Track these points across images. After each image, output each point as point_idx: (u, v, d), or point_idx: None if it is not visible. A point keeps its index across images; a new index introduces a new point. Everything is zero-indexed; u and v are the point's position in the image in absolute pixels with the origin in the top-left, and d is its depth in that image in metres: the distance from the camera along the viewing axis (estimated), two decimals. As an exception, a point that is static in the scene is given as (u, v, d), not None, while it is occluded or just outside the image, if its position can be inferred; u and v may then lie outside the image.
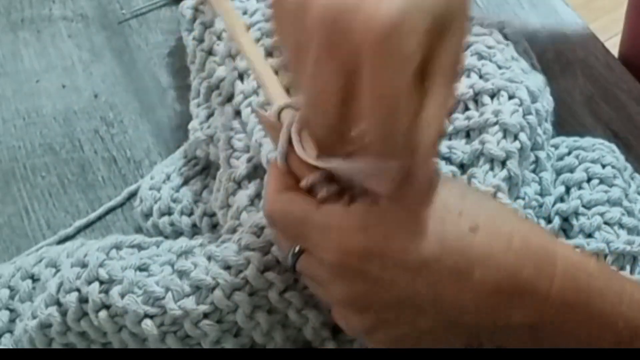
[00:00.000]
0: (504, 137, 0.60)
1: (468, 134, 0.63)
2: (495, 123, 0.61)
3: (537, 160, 0.63)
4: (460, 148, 0.61)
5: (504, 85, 0.62)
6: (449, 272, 0.48)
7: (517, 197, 0.61)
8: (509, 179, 0.59)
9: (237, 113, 0.66)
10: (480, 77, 0.64)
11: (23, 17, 0.85)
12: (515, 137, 0.60)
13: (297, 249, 0.52)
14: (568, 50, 0.79)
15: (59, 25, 0.84)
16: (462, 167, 0.61)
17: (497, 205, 0.53)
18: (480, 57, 0.65)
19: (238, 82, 0.67)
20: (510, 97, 0.62)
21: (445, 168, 0.61)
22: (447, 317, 0.49)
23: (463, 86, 0.64)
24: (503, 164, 0.59)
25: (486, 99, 0.63)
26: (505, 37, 0.68)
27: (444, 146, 0.62)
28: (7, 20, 0.84)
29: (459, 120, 0.63)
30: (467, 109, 0.64)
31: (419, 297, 0.48)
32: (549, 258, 0.49)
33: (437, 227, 0.48)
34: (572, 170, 0.64)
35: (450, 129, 0.63)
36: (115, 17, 0.85)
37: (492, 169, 0.60)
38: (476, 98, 0.63)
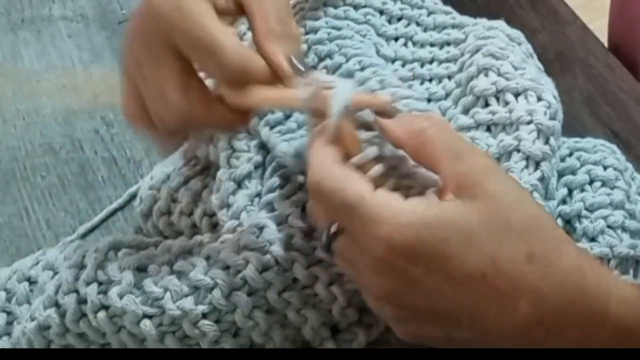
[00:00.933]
0: (538, 137, 0.60)
1: (489, 128, 0.63)
2: (530, 122, 0.60)
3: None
4: (483, 139, 0.61)
5: (530, 86, 0.62)
6: (494, 295, 0.46)
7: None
8: (542, 179, 0.59)
9: None
10: (500, 75, 0.64)
11: (23, 17, 0.85)
12: (547, 140, 0.60)
13: (335, 227, 0.49)
14: (568, 50, 0.79)
15: (59, 25, 0.84)
16: None
17: (560, 234, 0.50)
18: (496, 57, 0.65)
19: None
20: (539, 99, 0.62)
21: None
22: (483, 334, 0.48)
23: (484, 83, 0.64)
24: (537, 164, 0.59)
25: (510, 97, 0.63)
26: (510, 38, 0.68)
27: (466, 136, 0.62)
28: (7, 20, 0.84)
29: (481, 114, 0.63)
30: (487, 104, 0.63)
31: (457, 310, 0.47)
32: (602, 300, 0.47)
33: (493, 246, 0.46)
34: (574, 172, 0.64)
35: (470, 122, 0.63)
36: (115, 17, 0.85)
37: (527, 167, 0.59)
38: (498, 95, 0.63)
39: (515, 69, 0.64)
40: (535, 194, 0.58)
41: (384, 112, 0.52)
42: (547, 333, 0.47)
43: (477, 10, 0.80)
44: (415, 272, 0.46)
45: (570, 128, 0.73)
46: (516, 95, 0.63)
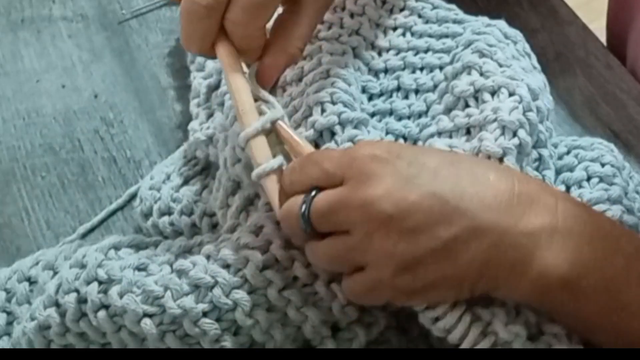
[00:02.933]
0: (502, 134, 0.60)
1: (469, 131, 0.63)
2: (494, 120, 0.61)
3: (540, 158, 0.63)
4: (460, 146, 0.61)
5: (504, 83, 0.62)
6: (466, 172, 0.53)
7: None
8: None
9: None
10: (481, 74, 0.64)
11: (23, 17, 0.85)
12: (514, 134, 0.60)
13: (309, 196, 0.53)
14: (568, 50, 0.79)
15: (59, 25, 0.84)
16: None
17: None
18: (482, 54, 0.65)
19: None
20: (511, 94, 0.62)
21: None
22: (468, 219, 0.51)
23: (464, 83, 0.64)
24: (500, 160, 0.59)
25: (486, 96, 0.63)
26: (506, 36, 0.68)
27: (444, 144, 0.62)
28: (7, 20, 0.85)
29: (460, 117, 0.63)
30: (467, 106, 0.64)
31: (441, 192, 0.51)
32: (552, 195, 0.54)
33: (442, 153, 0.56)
34: (571, 169, 0.64)
35: (450, 126, 0.63)
36: (115, 17, 0.85)
37: None
38: (476, 95, 0.63)
39: (500, 66, 0.64)
40: None
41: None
42: (520, 202, 0.52)
43: (477, 10, 0.80)
44: (400, 165, 0.52)
45: (570, 128, 0.73)
46: (492, 93, 0.63)
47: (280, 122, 0.58)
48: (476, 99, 0.63)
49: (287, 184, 0.56)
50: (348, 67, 0.67)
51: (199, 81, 0.72)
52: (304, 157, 0.56)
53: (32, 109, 0.78)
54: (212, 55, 0.60)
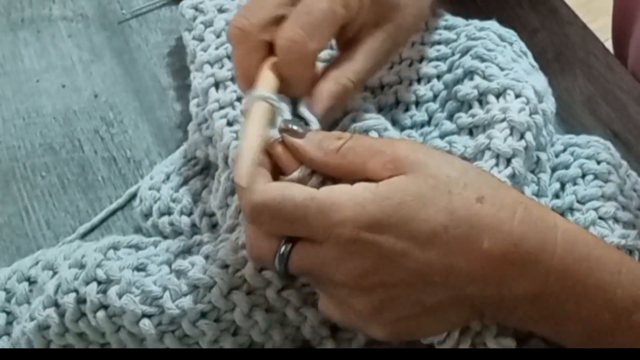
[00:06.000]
0: (511, 134, 0.60)
1: (471, 131, 0.63)
2: (503, 120, 0.60)
3: (538, 161, 0.63)
4: (462, 142, 0.61)
5: (510, 84, 0.62)
6: (459, 242, 0.49)
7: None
8: (513, 177, 0.59)
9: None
10: (484, 78, 0.64)
11: (23, 17, 0.85)
12: (522, 136, 0.60)
13: (287, 247, 0.51)
14: (568, 50, 0.79)
15: (59, 25, 0.84)
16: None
17: (496, 179, 0.55)
18: (482, 59, 0.65)
19: (213, 90, 0.66)
20: (517, 96, 0.62)
21: None
22: (454, 290, 0.50)
23: (467, 87, 0.64)
24: (508, 161, 0.59)
25: (491, 98, 0.63)
26: (502, 38, 0.68)
27: (443, 141, 0.62)
28: (7, 20, 0.84)
29: (463, 118, 0.63)
30: (470, 108, 0.63)
31: (429, 269, 0.49)
32: (550, 228, 0.51)
33: (445, 198, 0.50)
34: (567, 167, 0.64)
35: (452, 127, 0.63)
36: (115, 17, 0.85)
37: (497, 165, 0.60)
38: (480, 98, 0.63)
39: (502, 69, 0.64)
40: None
41: (291, 132, 0.54)
42: (514, 269, 0.50)
43: (477, 10, 0.80)
44: (385, 242, 0.49)
45: (570, 128, 0.73)
46: (497, 96, 0.63)
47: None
48: (480, 102, 0.63)
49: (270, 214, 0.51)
50: None
51: (199, 81, 0.72)
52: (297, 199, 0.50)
53: (32, 109, 0.78)
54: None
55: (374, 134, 0.58)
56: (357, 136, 0.54)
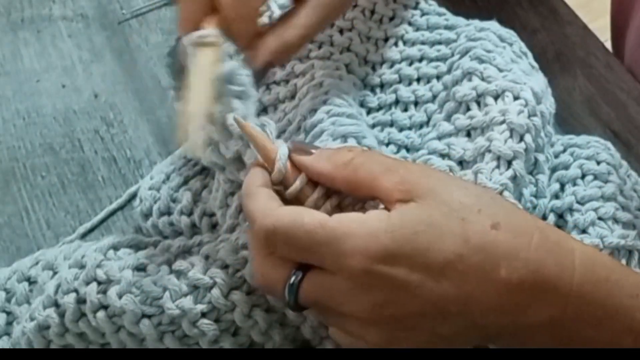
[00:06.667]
0: (511, 136, 0.60)
1: (469, 133, 0.63)
2: (502, 122, 0.60)
3: (536, 162, 0.63)
4: (460, 145, 0.61)
5: (508, 86, 0.62)
6: (475, 271, 0.48)
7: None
8: (514, 178, 0.59)
9: None
10: (482, 79, 0.64)
11: (23, 17, 0.85)
12: (521, 138, 0.60)
13: (298, 276, 0.50)
14: (568, 50, 0.79)
15: (59, 25, 0.84)
16: (461, 163, 0.61)
17: (510, 203, 0.53)
18: (481, 61, 0.65)
19: None
20: (516, 98, 0.62)
21: (442, 163, 0.61)
22: (470, 320, 0.49)
23: (465, 88, 0.64)
24: (509, 163, 0.59)
25: (489, 100, 0.62)
26: (501, 39, 0.68)
27: (441, 143, 0.62)
28: (7, 20, 0.84)
29: (460, 120, 0.63)
30: (468, 109, 0.63)
31: (444, 299, 0.48)
32: (567, 253, 0.49)
33: (459, 226, 0.48)
34: (566, 167, 0.64)
35: (450, 129, 0.63)
36: (115, 17, 0.85)
37: (498, 167, 0.59)
38: (478, 100, 0.63)
39: (501, 71, 0.64)
40: (506, 193, 0.59)
41: (300, 150, 0.53)
42: (532, 297, 0.48)
43: (477, 10, 0.80)
44: (398, 274, 0.47)
45: (570, 128, 0.73)
46: (495, 97, 0.63)
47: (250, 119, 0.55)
48: (478, 103, 0.63)
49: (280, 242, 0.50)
50: (343, 81, 0.67)
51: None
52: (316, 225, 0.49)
53: (32, 109, 0.78)
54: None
55: (352, 140, 0.58)
56: (369, 152, 0.53)
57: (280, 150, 0.52)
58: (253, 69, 0.57)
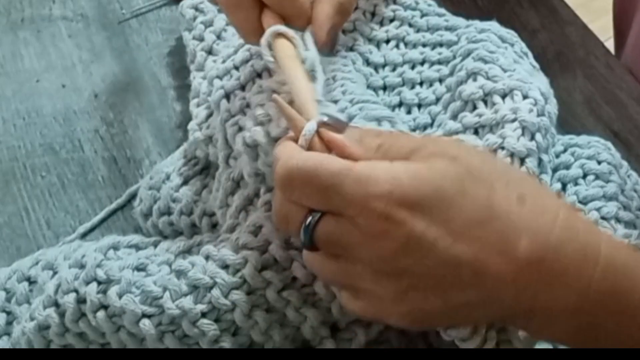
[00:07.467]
0: (523, 134, 0.60)
1: (476, 131, 0.63)
2: (514, 120, 0.60)
3: (540, 163, 0.63)
4: (470, 141, 0.61)
5: (516, 85, 0.62)
6: (493, 241, 0.46)
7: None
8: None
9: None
10: (488, 79, 0.64)
11: (23, 17, 0.85)
12: (532, 136, 0.60)
13: (315, 217, 0.49)
14: (568, 50, 0.79)
15: (59, 25, 0.84)
16: None
17: (538, 181, 0.53)
18: (485, 61, 0.65)
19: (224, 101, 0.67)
20: (525, 97, 0.62)
21: None
22: (484, 291, 0.47)
23: (472, 87, 0.64)
24: (522, 160, 0.59)
25: (497, 98, 0.62)
26: (502, 39, 0.68)
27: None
28: (7, 20, 0.85)
29: (468, 117, 0.63)
30: (475, 108, 0.63)
31: (457, 263, 0.46)
32: (593, 236, 0.48)
33: (485, 192, 0.47)
34: (568, 167, 0.64)
35: (457, 126, 0.63)
36: (115, 17, 0.85)
37: (511, 163, 0.59)
38: (485, 98, 0.63)
39: (505, 71, 0.64)
40: None
41: (333, 127, 0.53)
42: (551, 278, 0.47)
43: (477, 10, 0.80)
44: (416, 225, 0.46)
45: (570, 128, 0.73)
46: (503, 96, 0.62)
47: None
48: (485, 102, 0.63)
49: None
50: (354, 76, 0.67)
51: (198, 81, 0.72)
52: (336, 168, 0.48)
53: (32, 109, 0.78)
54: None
55: (386, 124, 0.58)
56: (396, 133, 0.53)
57: (307, 126, 0.52)
58: (321, 45, 0.59)
